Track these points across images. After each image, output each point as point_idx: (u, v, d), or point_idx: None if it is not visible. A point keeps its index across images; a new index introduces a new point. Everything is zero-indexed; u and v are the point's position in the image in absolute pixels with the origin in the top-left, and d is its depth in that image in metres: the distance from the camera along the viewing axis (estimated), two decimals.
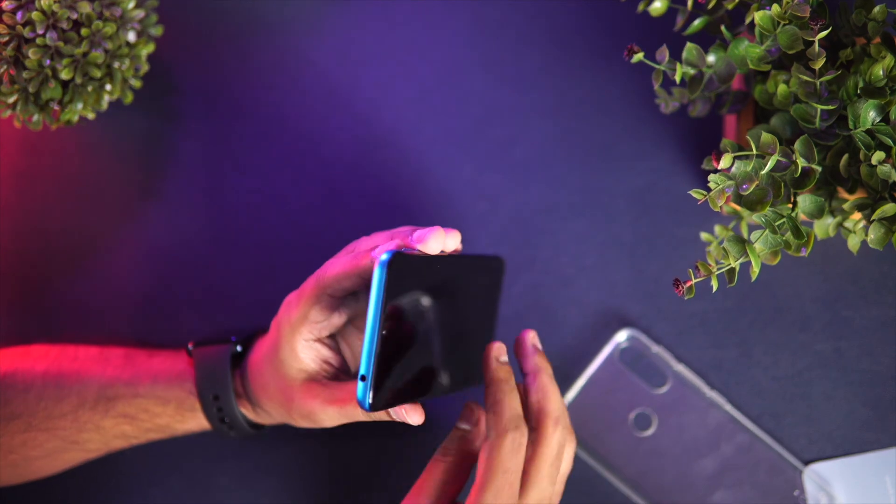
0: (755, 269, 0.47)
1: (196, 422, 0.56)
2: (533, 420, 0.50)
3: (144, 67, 0.62)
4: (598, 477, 0.60)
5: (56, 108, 0.59)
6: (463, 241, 0.63)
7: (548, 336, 0.62)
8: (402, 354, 0.48)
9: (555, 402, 0.50)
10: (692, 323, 0.62)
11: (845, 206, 0.50)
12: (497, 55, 0.68)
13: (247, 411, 0.56)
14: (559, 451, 0.49)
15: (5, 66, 0.56)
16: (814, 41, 0.46)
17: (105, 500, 0.60)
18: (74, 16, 0.56)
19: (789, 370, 0.61)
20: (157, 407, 0.55)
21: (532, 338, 0.52)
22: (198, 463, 0.61)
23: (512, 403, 0.48)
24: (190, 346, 0.57)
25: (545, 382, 0.51)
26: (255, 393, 0.55)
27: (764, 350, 0.61)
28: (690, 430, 0.60)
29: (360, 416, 0.49)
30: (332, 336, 0.53)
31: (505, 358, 0.50)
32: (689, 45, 0.52)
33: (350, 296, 0.52)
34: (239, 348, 0.57)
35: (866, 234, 0.48)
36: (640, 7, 0.54)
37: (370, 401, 0.45)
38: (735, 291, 0.62)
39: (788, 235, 0.47)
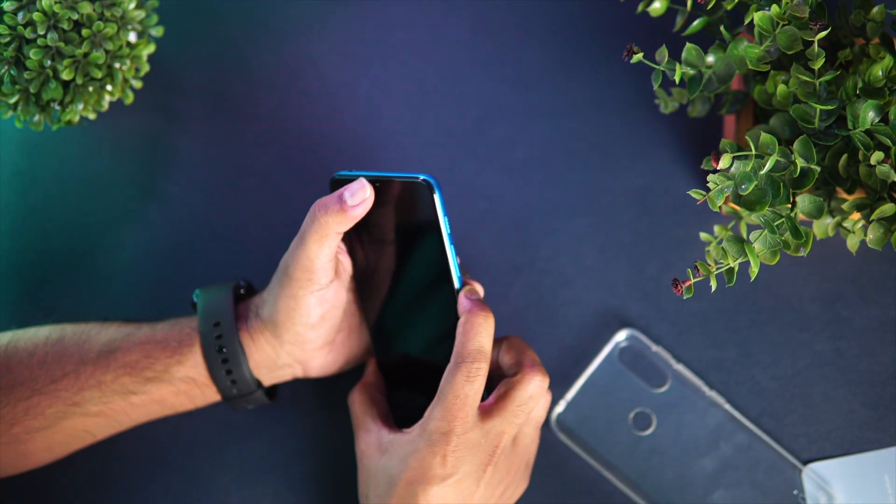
0: (754, 269, 0.47)
1: (193, 360, 0.55)
2: (513, 367, 0.52)
3: (145, 68, 0.62)
4: (597, 476, 0.60)
5: (57, 108, 0.59)
6: (463, 241, 0.63)
7: (547, 336, 0.62)
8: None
9: (531, 354, 0.53)
10: (692, 323, 0.62)
11: (844, 206, 0.51)
12: (497, 55, 0.68)
13: (246, 344, 0.56)
14: (531, 395, 0.51)
15: (6, 67, 0.57)
16: (813, 41, 0.46)
17: (105, 499, 0.60)
18: (75, 16, 0.56)
19: (789, 370, 0.61)
20: (156, 350, 0.55)
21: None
22: (198, 462, 0.61)
23: (478, 336, 0.50)
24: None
25: (516, 339, 0.54)
26: (257, 300, 0.56)
27: (763, 350, 0.61)
28: (690, 429, 0.60)
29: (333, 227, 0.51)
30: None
31: (479, 295, 0.52)
32: (688, 45, 0.52)
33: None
34: (243, 282, 0.59)
35: (865, 234, 0.48)
36: (640, 7, 0.55)
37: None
38: (735, 291, 0.62)
39: (787, 235, 0.47)
